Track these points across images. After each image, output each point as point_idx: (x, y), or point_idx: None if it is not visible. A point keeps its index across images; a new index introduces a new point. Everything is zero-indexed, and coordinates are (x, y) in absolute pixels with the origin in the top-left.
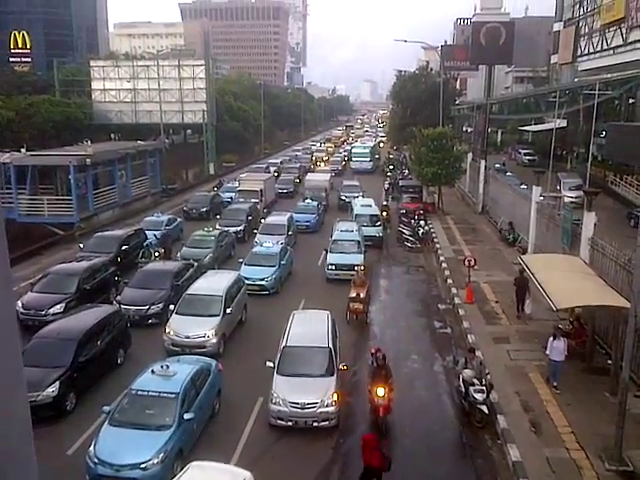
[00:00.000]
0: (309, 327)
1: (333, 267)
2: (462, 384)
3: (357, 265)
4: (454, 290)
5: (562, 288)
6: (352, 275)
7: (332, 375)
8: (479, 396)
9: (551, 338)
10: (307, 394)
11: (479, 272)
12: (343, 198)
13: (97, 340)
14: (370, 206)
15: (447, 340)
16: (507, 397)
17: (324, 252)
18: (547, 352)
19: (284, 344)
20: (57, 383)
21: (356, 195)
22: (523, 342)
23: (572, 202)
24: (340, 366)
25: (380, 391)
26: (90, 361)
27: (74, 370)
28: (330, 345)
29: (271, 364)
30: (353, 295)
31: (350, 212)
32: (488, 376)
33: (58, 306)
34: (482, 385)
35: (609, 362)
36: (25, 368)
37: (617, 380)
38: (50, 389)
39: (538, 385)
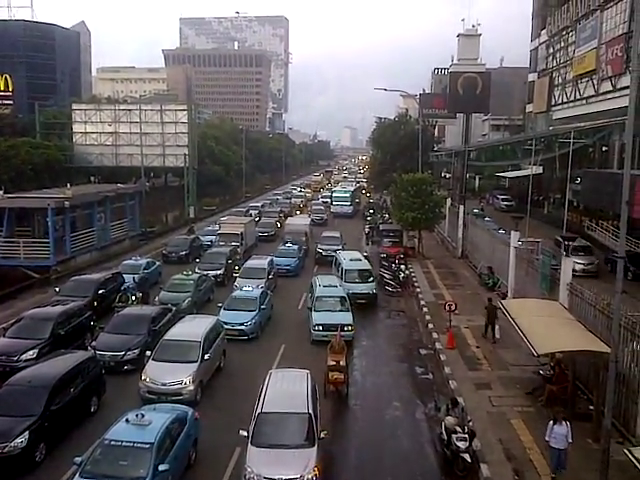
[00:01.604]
0: (287, 389)
1: (320, 328)
2: (444, 432)
3: (346, 325)
4: (435, 335)
5: (542, 333)
6: (333, 336)
7: (313, 446)
8: (461, 444)
9: (551, 422)
10: (285, 468)
11: (460, 317)
12: (320, 251)
13: (70, 387)
14: (360, 260)
15: (429, 386)
16: (490, 445)
17: (309, 310)
18: (547, 439)
19: (259, 410)
20: (26, 433)
21: (336, 248)
22: (505, 388)
23: (583, 270)
24: (321, 434)
25: None
26: (62, 409)
27: (45, 419)
28: (310, 410)
29: (245, 433)
30: (332, 363)
31: (336, 267)
32: (470, 423)
33: (31, 352)
34: (464, 433)
35: (591, 408)
36: None
37: (599, 427)
38: (19, 439)
39: (521, 432)
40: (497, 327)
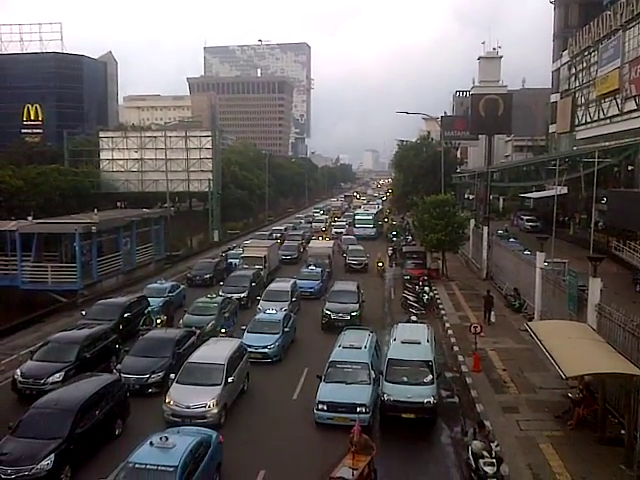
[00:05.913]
0: None
1: (324, 407)
2: (471, 456)
3: (360, 405)
4: (461, 358)
5: (571, 356)
6: (353, 421)
7: None
8: (489, 469)
9: None
10: None
11: (485, 339)
12: (329, 313)
13: (95, 410)
14: (418, 343)
15: (455, 410)
16: (518, 470)
17: (317, 379)
18: None
19: None
20: (52, 455)
21: (352, 308)
22: (533, 412)
23: None
24: None
25: None
26: (87, 432)
27: (70, 442)
28: None
29: None
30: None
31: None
32: (498, 448)
33: (57, 375)
34: (492, 457)
35: (622, 432)
36: (20, 439)
37: (632, 451)
38: (45, 462)
39: (550, 457)
40: (492, 313)
